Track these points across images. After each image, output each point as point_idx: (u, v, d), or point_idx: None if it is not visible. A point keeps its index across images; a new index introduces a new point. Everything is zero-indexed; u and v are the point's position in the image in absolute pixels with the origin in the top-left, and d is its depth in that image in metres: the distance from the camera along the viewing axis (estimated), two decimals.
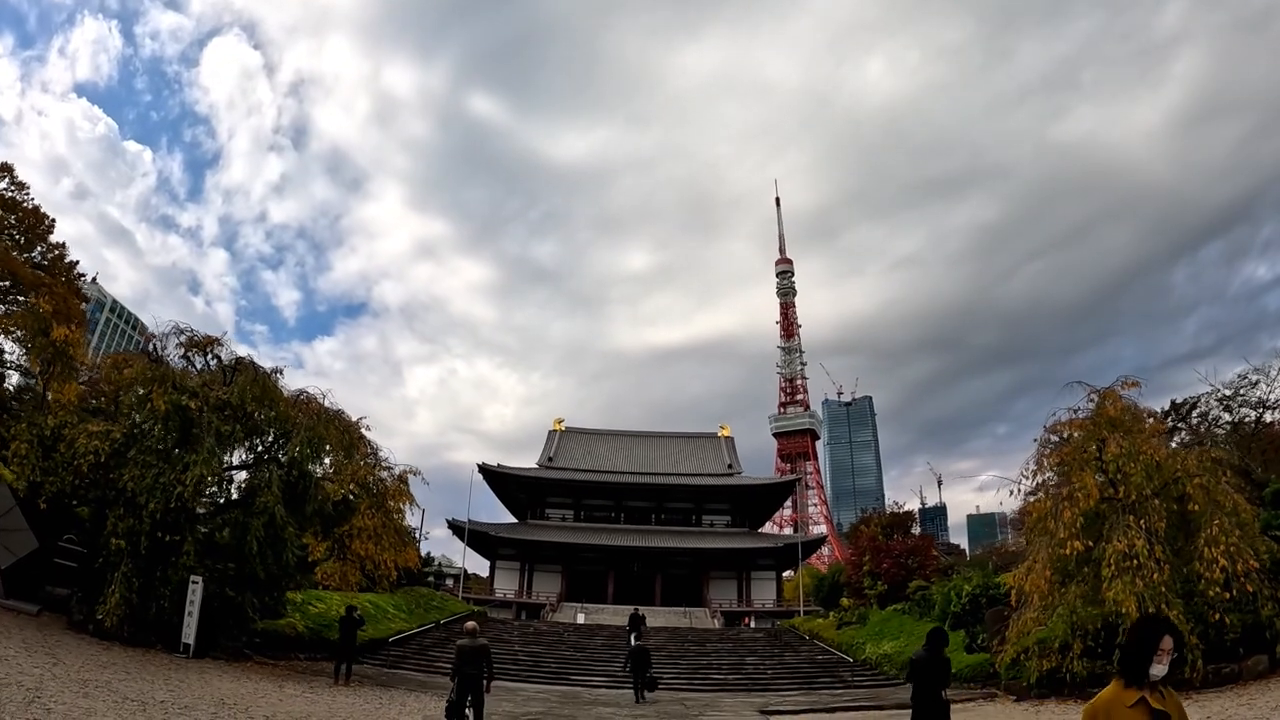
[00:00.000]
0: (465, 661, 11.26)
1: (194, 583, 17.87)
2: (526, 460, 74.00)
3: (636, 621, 27.34)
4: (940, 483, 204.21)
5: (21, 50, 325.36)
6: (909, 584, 30.18)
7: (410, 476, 20.80)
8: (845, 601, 34.80)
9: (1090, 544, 14.18)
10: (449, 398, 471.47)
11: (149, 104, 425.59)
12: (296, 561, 18.29)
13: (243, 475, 19.26)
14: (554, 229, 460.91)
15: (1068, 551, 14.07)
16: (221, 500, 19.08)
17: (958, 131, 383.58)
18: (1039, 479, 15.93)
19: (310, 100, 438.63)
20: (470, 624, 12.08)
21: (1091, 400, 16.78)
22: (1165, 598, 13.68)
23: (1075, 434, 15.48)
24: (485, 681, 11.35)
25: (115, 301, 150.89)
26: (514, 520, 70.58)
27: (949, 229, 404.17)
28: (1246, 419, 33.67)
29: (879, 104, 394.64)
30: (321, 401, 20.33)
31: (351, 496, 19.25)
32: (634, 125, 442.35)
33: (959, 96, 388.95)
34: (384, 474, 20.44)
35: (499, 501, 73.29)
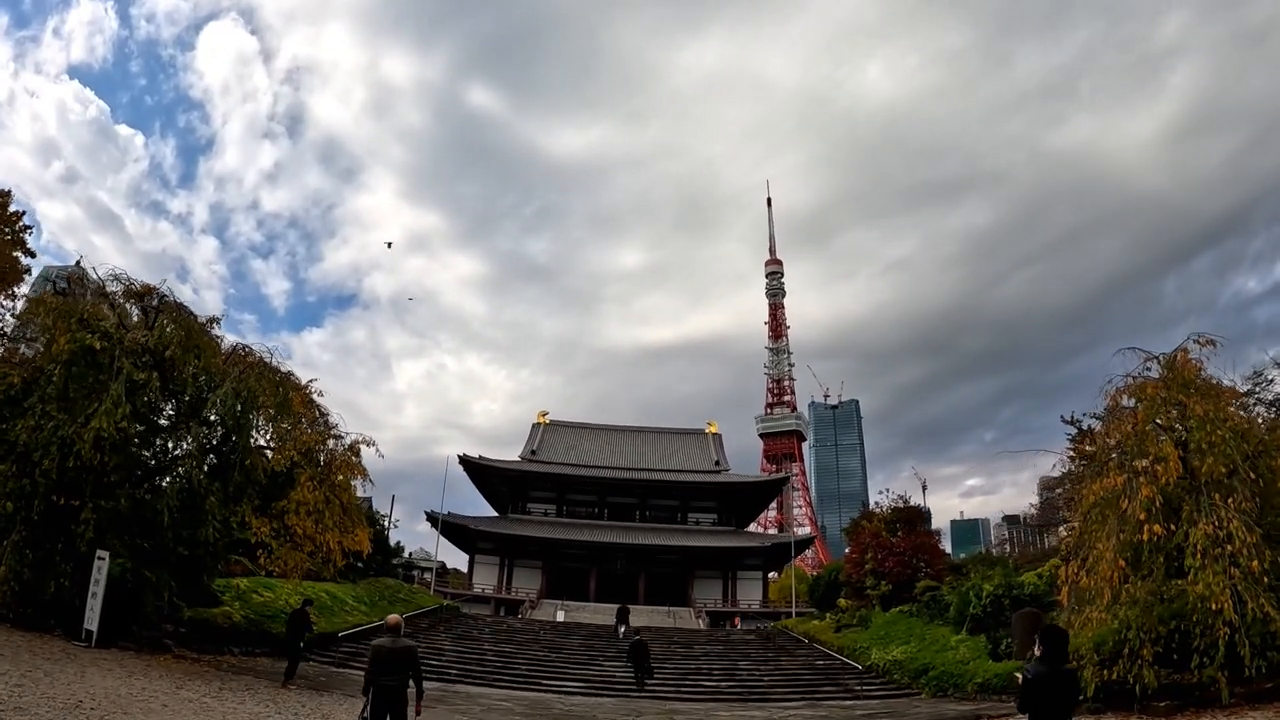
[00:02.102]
0: (383, 668, 8.17)
1: (99, 558, 15.10)
2: (512, 456, 71.27)
3: (624, 615, 29.18)
4: (925, 487, 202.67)
5: (16, 30, 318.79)
6: (916, 584, 27.78)
7: (363, 447, 18.03)
8: (843, 602, 32.27)
9: (1171, 528, 11.78)
10: (437, 392, 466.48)
11: (143, 88, 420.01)
12: (220, 538, 15.47)
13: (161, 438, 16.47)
14: (548, 225, 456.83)
15: (1145, 536, 11.67)
16: (142, 463, 16.24)
17: (954, 136, 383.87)
18: (1098, 451, 13.54)
19: (306, 88, 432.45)
20: (393, 618, 8.89)
21: (1149, 368, 14.41)
22: (1259, 590, 11.32)
23: (1152, 394, 13.07)
24: (415, 699, 8.26)
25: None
26: (495, 514, 68.00)
27: (942, 233, 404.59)
28: (1260, 417, 31.88)
29: (877, 107, 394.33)
30: (268, 360, 17.63)
31: (294, 466, 16.52)
32: (632, 122, 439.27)
33: (956, 101, 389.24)
34: (333, 443, 17.71)
35: (481, 497, 70.85)
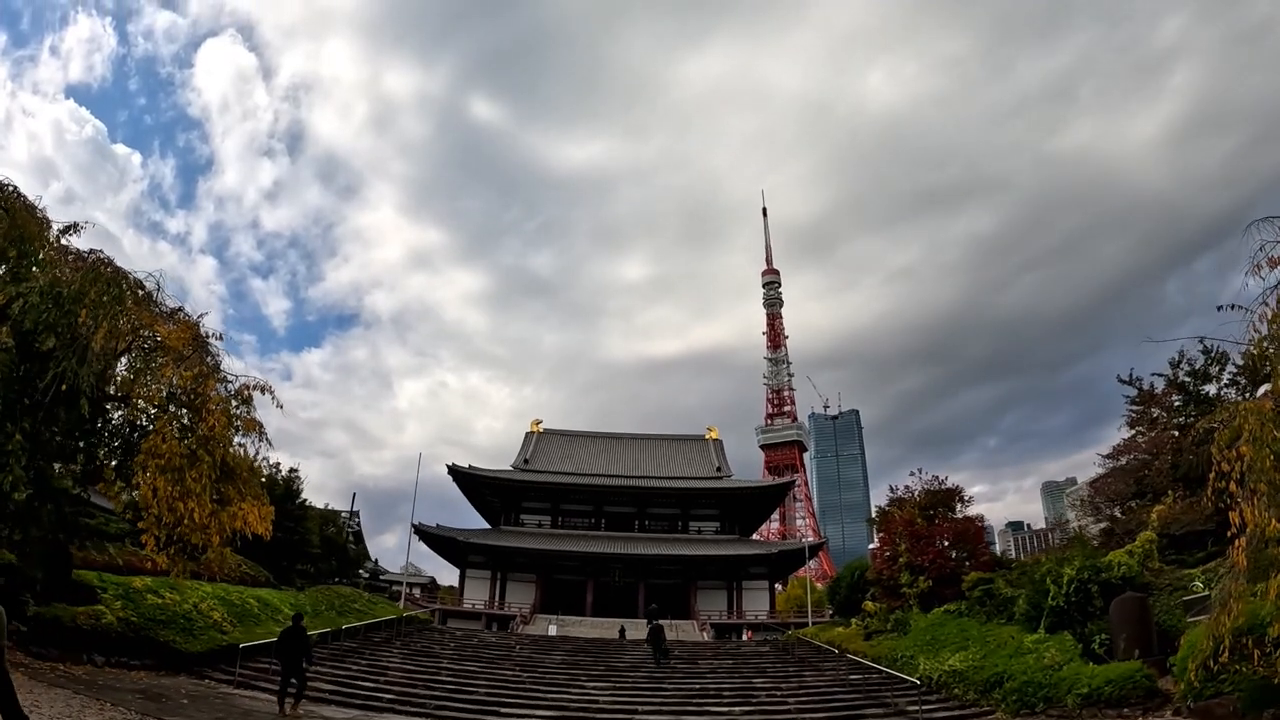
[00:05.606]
0: None
1: None
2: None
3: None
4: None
5: (14, 50, 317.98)
6: (962, 578, 23.28)
7: (257, 394, 13.60)
8: (870, 605, 27.64)
9: None
10: (439, 410, 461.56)
11: (141, 107, 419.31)
12: (38, 502, 11.14)
13: None
14: (551, 239, 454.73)
15: None
16: None
17: (955, 143, 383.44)
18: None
19: (307, 105, 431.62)
20: None
21: None
22: None
23: None
24: None
25: None
26: (487, 527, 63.57)
27: (945, 240, 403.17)
28: None
29: (878, 115, 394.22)
30: (129, 273, 13.16)
31: (156, 410, 12.24)
32: (635, 134, 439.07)
33: (957, 108, 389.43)
34: (215, 387, 13.32)
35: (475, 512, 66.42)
